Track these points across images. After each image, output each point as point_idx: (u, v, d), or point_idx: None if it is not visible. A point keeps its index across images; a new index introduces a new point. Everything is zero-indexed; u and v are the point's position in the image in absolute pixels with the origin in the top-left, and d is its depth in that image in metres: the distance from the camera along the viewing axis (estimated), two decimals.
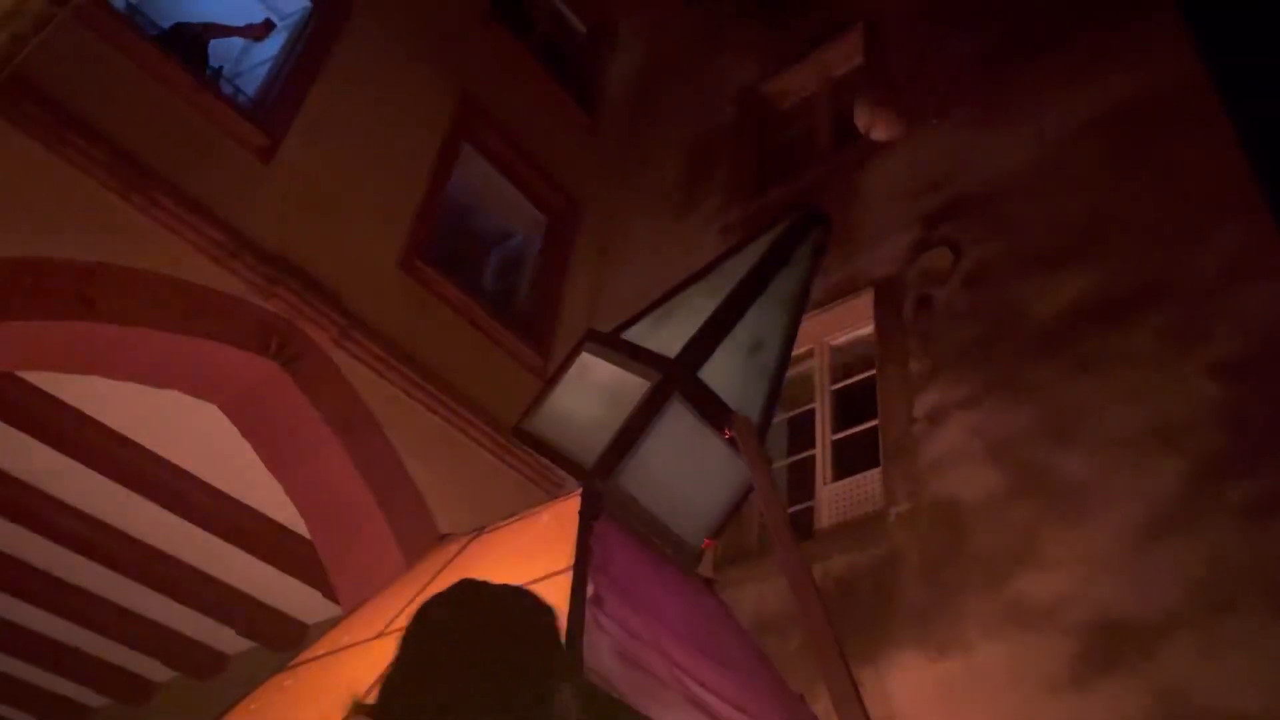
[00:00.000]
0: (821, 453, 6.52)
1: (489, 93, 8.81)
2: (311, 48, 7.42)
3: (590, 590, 2.44)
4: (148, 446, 7.64)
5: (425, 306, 7.43)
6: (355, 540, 6.64)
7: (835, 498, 6.20)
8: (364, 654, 2.67)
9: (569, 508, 3.04)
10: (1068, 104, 6.46)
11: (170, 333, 5.96)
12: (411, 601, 2.90)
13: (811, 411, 6.83)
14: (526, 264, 9.31)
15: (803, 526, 6.12)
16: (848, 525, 5.96)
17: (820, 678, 2.93)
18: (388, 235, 7.36)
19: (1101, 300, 5.51)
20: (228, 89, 7.19)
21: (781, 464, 6.81)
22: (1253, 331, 4.85)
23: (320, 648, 2.97)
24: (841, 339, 6.98)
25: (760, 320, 3.90)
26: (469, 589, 1.72)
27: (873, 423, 6.24)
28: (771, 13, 9.93)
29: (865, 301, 6.76)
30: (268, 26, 8.07)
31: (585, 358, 3.80)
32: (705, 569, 4.03)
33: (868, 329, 6.70)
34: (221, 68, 7.82)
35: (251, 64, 8.09)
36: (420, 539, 6.19)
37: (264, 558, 8.45)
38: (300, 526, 7.31)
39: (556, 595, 2.44)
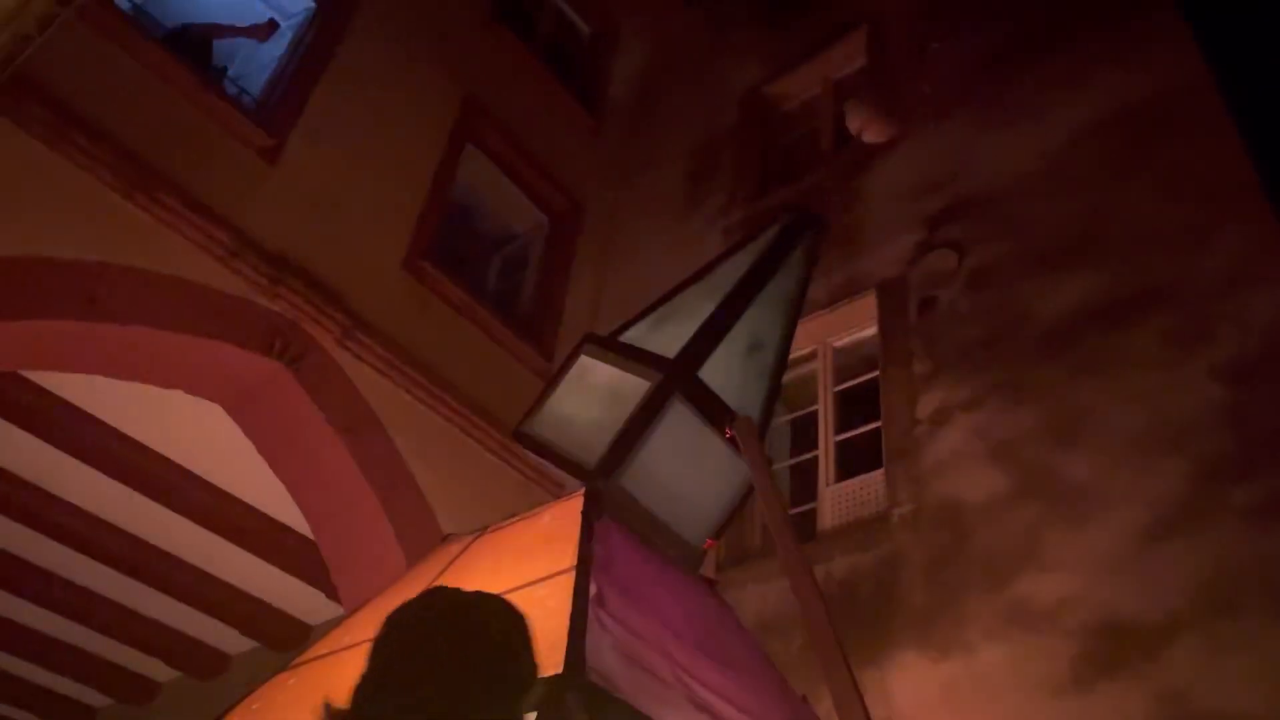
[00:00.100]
0: (824, 454, 6.52)
1: (492, 94, 8.82)
2: (315, 48, 7.43)
3: (593, 590, 2.44)
4: (151, 446, 7.64)
5: (428, 307, 7.43)
6: (357, 540, 6.64)
7: (838, 499, 6.20)
8: (366, 654, 2.67)
9: (571, 508, 3.04)
10: (1071, 105, 6.46)
11: (173, 332, 5.97)
12: None
13: (814, 413, 6.83)
14: (529, 264, 9.31)
15: (805, 528, 6.13)
16: (850, 526, 5.96)
17: (822, 678, 2.93)
18: (391, 235, 7.37)
19: (1104, 302, 5.50)
20: (231, 89, 7.19)
21: (784, 465, 6.82)
22: (1256, 333, 4.85)
23: (322, 647, 2.97)
24: (845, 340, 6.98)
25: (758, 321, 3.91)
26: (438, 596, 1.74)
27: (876, 424, 6.24)
28: (774, 14, 9.93)
29: (869, 303, 6.76)
30: (271, 27, 8.08)
31: (584, 360, 3.80)
32: (707, 569, 4.03)
33: (871, 330, 6.71)
34: (225, 68, 7.82)
35: (255, 64, 8.09)
36: (422, 539, 6.20)
37: (267, 558, 8.46)
38: (303, 526, 7.32)
39: (559, 595, 2.44)
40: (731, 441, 3.61)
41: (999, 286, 6.09)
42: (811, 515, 6.25)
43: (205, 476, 7.90)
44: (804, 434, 6.93)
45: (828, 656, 2.93)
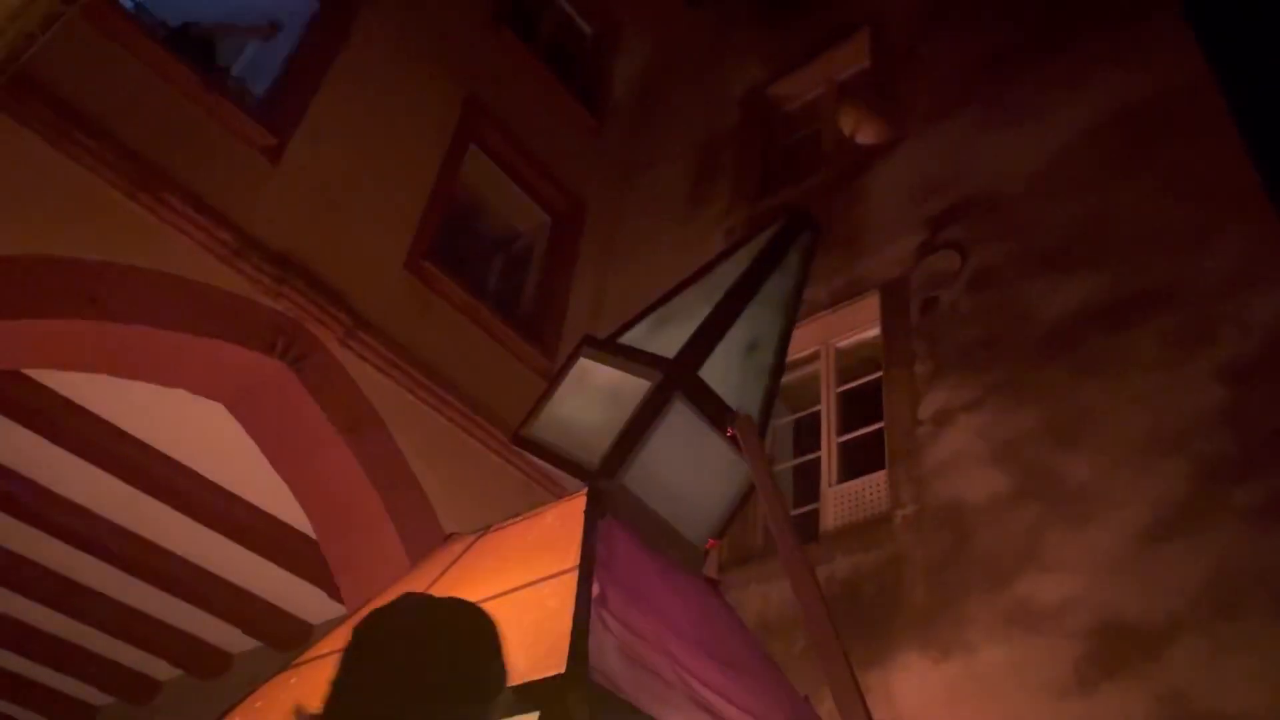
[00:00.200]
0: (827, 454, 6.52)
1: (494, 94, 8.83)
2: (319, 48, 7.44)
3: (595, 590, 2.44)
4: (153, 445, 7.64)
5: (431, 306, 7.44)
6: (360, 539, 6.65)
7: (841, 499, 6.20)
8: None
9: (574, 507, 3.04)
10: (1072, 106, 6.46)
11: (176, 332, 5.97)
12: None
13: (817, 413, 6.83)
14: (531, 264, 9.32)
15: (808, 528, 6.13)
16: (853, 527, 5.96)
17: (824, 679, 2.93)
18: (394, 235, 7.38)
19: (1107, 303, 5.51)
20: (235, 89, 7.19)
21: (787, 465, 6.82)
22: (1258, 334, 4.85)
23: (324, 647, 2.97)
24: (847, 341, 6.98)
25: (756, 321, 3.91)
26: (408, 602, 1.75)
27: (878, 425, 6.24)
28: (777, 15, 9.94)
29: (871, 304, 6.76)
30: (275, 27, 8.08)
31: (583, 363, 3.80)
32: (709, 569, 4.03)
33: (874, 331, 6.71)
34: (229, 67, 7.83)
35: (258, 64, 8.10)
36: (425, 538, 6.20)
37: (269, 557, 8.45)
38: (305, 525, 7.33)
39: (561, 595, 2.44)
40: (732, 440, 3.62)
41: (1001, 287, 6.09)
42: (814, 516, 6.26)
43: (207, 475, 7.90)
44: (806, 435, 6.93)
45: (828, 656, 2.93)
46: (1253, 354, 4.81)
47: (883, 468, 6.02)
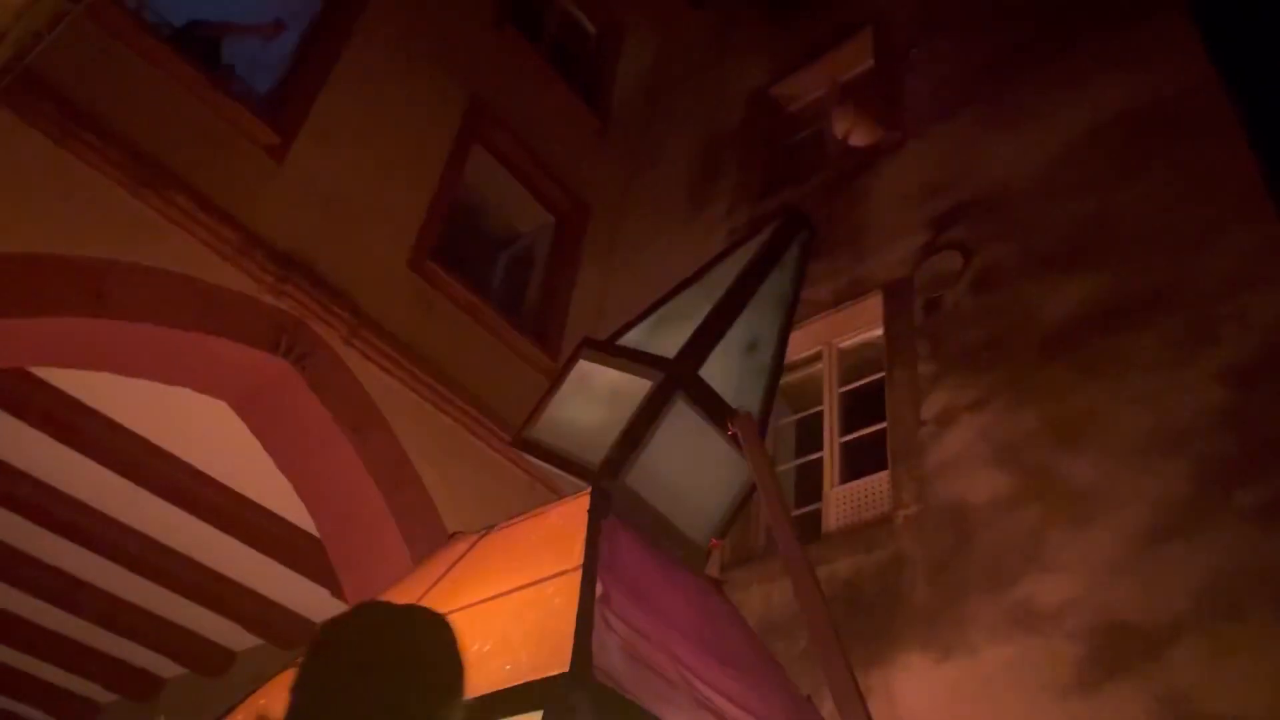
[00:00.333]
0: (829, 455, 6.52)
1: (498, 94, 8.84)
2: (323, 47, 7.45)
3: (599, 589, 2.45)
4: (157, 443, 7.67)
5: (434, 306, 7.45)
6: (363, 538, 6.66)
7: (843, 500, 6.20)
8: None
9: (577, 507, 3.05)
10: (1076, 107, 6.46)
11: (181, 330, 5.99)
12: (419, 600, 2.92)
13: (820, 414, 6.83)
14: (535, 264, 9.33)
15: (810, 529, 6.13)
16: (855, 528, 5.95)
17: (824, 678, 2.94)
18: (398, 234, 7.39)
19: (1110, 304, 5.50)
20: (240, 87, 7.20)
21: (789, 466, 6.82)
22: (1261, 336, 4.84)
23: None
24: (850, 341, 6.98)
25: (754, 320, 3.93)
26: (364, 610, 1.75)
27: (881, 425, 6.24)
28: (780, 15, 9.93)
29: (874, 304, 6.76)
30: (280, 26, 8.09)
31: (583, 364, 3.81)
32: (711, 569, 4.04)
33: (876, 331, 6.71)
34: (234, 66, 7.83)
35: (263, 63, 8.11)
36: (428, 537, 6.22)
37: (272, 555, 8.48)
38: (308, 523, 7.34)
39: (565, 594, 2.45)
40: (733, 439, 3.62)
41: (1004, 288, 6.09)
42: (816, 516, 6.26)
43: (211, 474, 7.93)
44: (809, 435, 6.93)
45: (828, 656, 2.94)
46: (1255, 355, 4.80)
47: (885, 468, 6.02)
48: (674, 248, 8.43)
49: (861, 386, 6.74)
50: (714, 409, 3.62)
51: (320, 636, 1.67)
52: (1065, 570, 4.78)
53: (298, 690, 1.59)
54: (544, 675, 2.10)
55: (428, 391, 6.99)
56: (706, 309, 3.81)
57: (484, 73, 8.76)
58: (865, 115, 7.66)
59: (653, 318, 3.99)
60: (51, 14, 4.97)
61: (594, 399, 3.73)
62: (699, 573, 3.59)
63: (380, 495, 6.53)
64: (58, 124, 5.54)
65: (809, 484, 6.59)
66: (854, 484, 6.24)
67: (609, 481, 3.27)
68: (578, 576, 2.50)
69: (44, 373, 6.96)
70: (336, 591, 7.83)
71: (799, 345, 6.67)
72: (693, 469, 3.67)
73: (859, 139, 7.63)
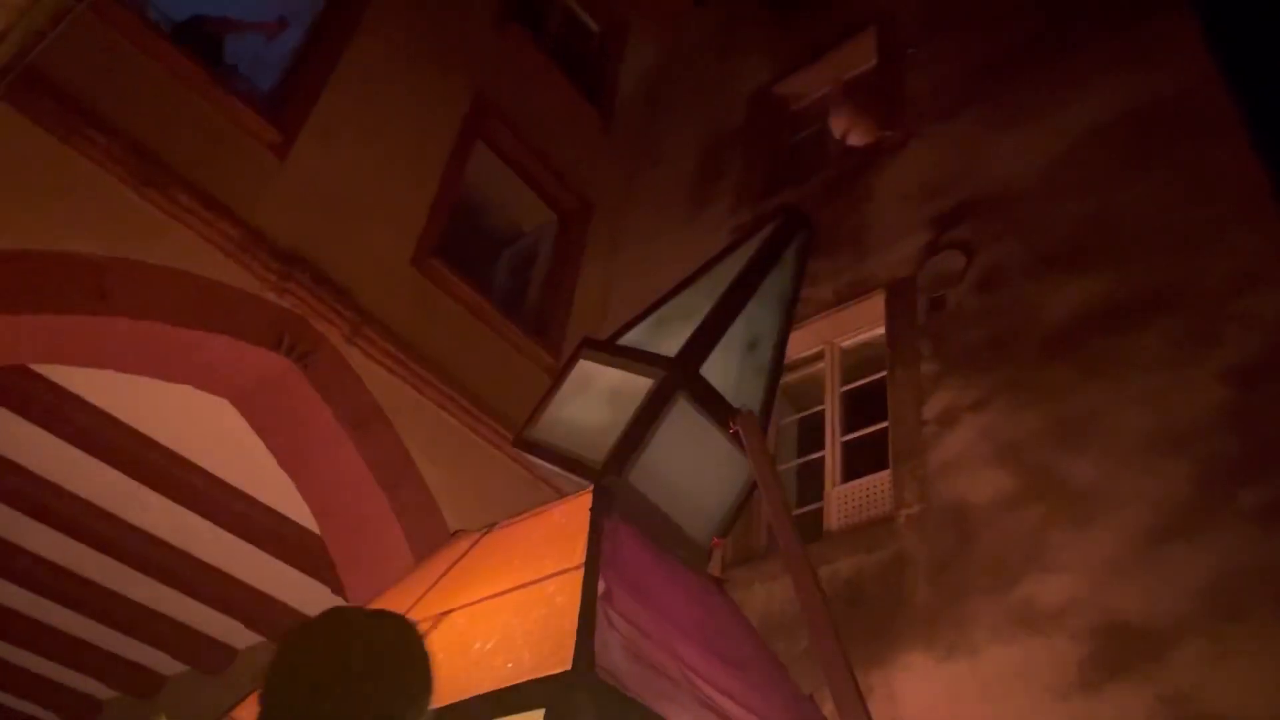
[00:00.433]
0: (831, 454, 6.51)
1: (502, 92, 8.83)
2: (326, 45, 7.45)
3: (601, 588, 2.45)
4: (159, 441, 7.66)
5: (437, 304, 7.45)
6: (365, 536, 6.66)
7: (845, 499, 6.20)
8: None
9: (579, 505, 3.05)
10: (1079, 106, 6.45)
11: (183, 327, 5.99)
12: (421, 598, 2.92)
13: (821, 413, 6.83)
14: (538, 262, 9.32)
15: (812, 528, 6.13)
16: (857, 527, 5.95)
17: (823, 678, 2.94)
18: (400, 232, 7.39)
19: (1112, 303, 5.50)
20: (243, 85, 7.20)
21: (791, 465, 6.82)
22: (1262, 336, 4.84)
23: None
24: (852, 340, 6.98)
25: (755, 319, 3.94)
26: (330, 615, 1.75)
27: (883, 425, 6.24)
28: (784, 14, 9.92)
29: (876, 303, 6.76)
30: (283, 23, 8.09)
31: (583, 364, 3.81)
32: (713, 568, 4.04)
33: (879, 331, 6.70)
34: (236, 64, 7.84)
35: (266, 61, 8.11)
36: (430, 536, 6.22)
37: (274, 553, 8.48)
38: (310, 521, 7.34)
39: (567, 592, 2.45)
40: (735, 438, 3.62)
41: (1007, 287, 6.08)
42: (818, 515, 6.26)
43: (213, 471, 7.93)
44: (811, 434, 6.93)
45: (828, 655, 2.94)
46: (1258, 355, 4.80)
47: (887, 468, 6.02)
48: (676, 246, 8.42)
49: (863, 386, 6.74)
50: (715, 407, 3.62)
51: (285, 643, 1.67)
52: (1067, 570, 4.78)
53: (265, 698, 1.60)
54: (546, 673, 2.10)
55: (430, 389, 6.99)
56: (707, 308, 3.81)
57: (487, 71, 8.75)
58: (863, 115, 7.66)
59: (653, 317, 3.99)
60: (54, 11, 4.97)
61: (595, 398, 3.74)
62: (701, 571, 3.59)
63: (382, 493, 6.53)
64: (60, 121, 5.54)
65: (810, 483, 6.59)
66: (855, 483, 6.24)
67: (611, 480, 3.27)
68: (580, 575, 2.51)
69: (45, 369, 6.95)
70: (338, 589, 7.83)
71: (801, 344, 6.67)
72: (694, 468, 3.67)
73: (857, 139, 7.63)
